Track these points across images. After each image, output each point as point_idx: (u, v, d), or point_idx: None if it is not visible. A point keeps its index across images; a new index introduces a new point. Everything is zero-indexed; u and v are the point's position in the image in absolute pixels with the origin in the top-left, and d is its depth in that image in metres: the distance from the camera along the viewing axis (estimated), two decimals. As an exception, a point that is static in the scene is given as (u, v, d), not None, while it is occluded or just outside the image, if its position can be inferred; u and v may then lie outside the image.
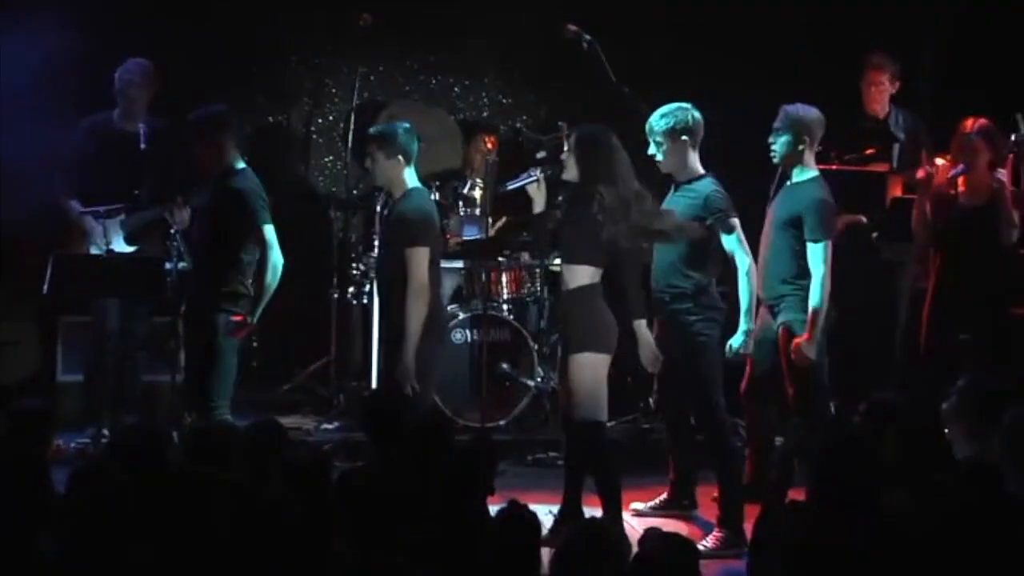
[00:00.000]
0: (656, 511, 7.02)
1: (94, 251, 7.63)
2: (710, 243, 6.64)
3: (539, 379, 8.43)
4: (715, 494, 6.80)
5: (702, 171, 6.75)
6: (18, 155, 8.08)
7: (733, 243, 6.61)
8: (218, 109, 7.10)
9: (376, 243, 8.38)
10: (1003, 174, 7.43)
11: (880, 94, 8.47)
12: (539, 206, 6.74)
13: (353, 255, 8.87)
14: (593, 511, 6.37)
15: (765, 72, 8.88)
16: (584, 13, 8.66)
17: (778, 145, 6.84)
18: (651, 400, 8.51)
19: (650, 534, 4.15)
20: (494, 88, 9.88)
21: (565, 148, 6.79)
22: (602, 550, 4.03)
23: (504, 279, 8.66)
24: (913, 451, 5.02)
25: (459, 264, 8.61)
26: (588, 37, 8.48)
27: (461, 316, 8.45)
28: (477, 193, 8.98)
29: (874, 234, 8.20)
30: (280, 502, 4.37)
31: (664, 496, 7.12)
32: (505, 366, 8.45)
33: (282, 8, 9.25)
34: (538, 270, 8.59)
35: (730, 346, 6.65)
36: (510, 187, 6.99)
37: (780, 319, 6.78)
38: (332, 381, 8.89)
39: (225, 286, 6.91)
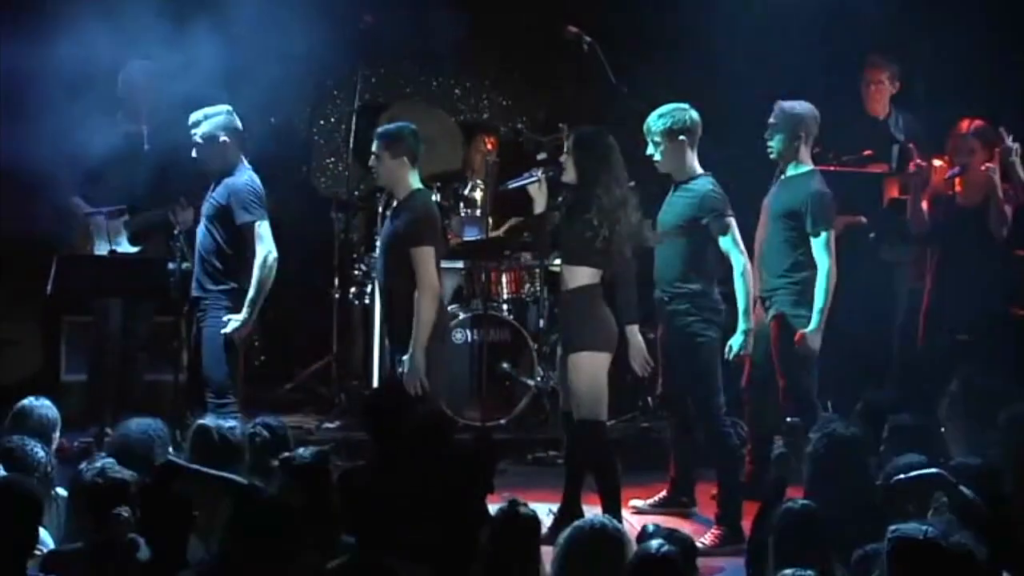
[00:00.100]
0: (655, 508, 7.04)
1: (98, 252, 7.68)
2: (710, 244, 6.69)
3: (539, 378, 8.47)
4: (714, 492, 6.84)
5: (700, 171, 6.79)
6: (22, 156, 8.10)
7: (728, 243, 6.65)
8: (222, 110, 7.15)
9: (378, 243, 8.42)
10: (996, 170, 7.47)
11: (880, 94, 8.48)
12: (540, 207, 6.78)
13: (354, 255, 8.90)
14: (593, 509, 6.38)
15: (765, 73, 8.89)
16: (584, 14, 8.70)
17: (775, 142, 6.92)
18: (650, 399, 8.57)
19: (648, 530, 4.19)
20: (494, 90, 9.92)
21: (564, 150, 6.83)
22: (604, 548, 4.06)
23: (504, 279, 8.70)
24: (907, 450, 5.07)
25: (459, 264, 8.64)
26: (588, 39, 8.51)
27: (462, 316, 8.48)
28: (477, 194, 9.03)
29: (871, 235, 8.24)
30: (281, 500, 4.42)
31: (663, 494, 7.15)
32: (505, 366, 8.49)
33: (284, 9, 9.27)
34: (538, 270, 8.63)
35: (730, 347, 6.69)
36: (511, 186, 7.03)
37: (772, 311, 6.84)
38: (333, 380, 8.92)
39: (227, 285, 6.95)
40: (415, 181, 6.79)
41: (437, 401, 6.61)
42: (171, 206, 7.49)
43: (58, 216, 7.98)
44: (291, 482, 4.80)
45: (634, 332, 6.63)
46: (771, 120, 6.93)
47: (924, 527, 3.98)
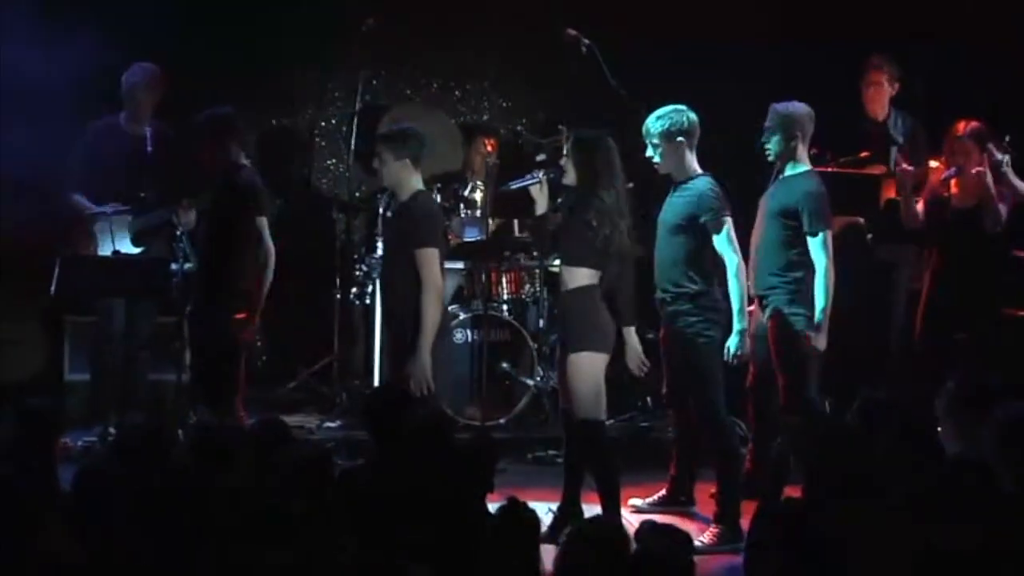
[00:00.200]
0: (654, 507, 7.05)
1: (101, 252, 7.72)
2: (710, 244, 6.71)
3: (539, 378, 8.50)
4: (713, 491, 6.86)
5: (700, 171, 6.81)
6: (26, 157, 8.14)
7: (723, 242, 6.67)
8: (224, 111, 7.20)
9: (379, 244, 8.47)
10: (987, 173, 7.51)
11: (879, 95, 8.50)
12: (541, 208, 6.81)
13: (355, 256, 8.93)
14: (592, 508, 6.42)
15: (764, 72, 8.93)
16: (583, 16, 8.74)
17: (772, 144, 6.95)
18: (649, 399, 8.61)
19: (646, 526, 4.21)
20: (494, 92, 9.95)
21: (564, 152, 6.86)
22: (604, 548, 4.08)
23: (504, 280, 8.74)
24: (905, 448, 5.09)
25: (460, 265, 8.68)
26: (587, 41, 8.55)
27: (462, 316, 8.52)
28: (477, 195, 9.06)
29: (869, 235, 8.27)
30: (282, 499, 4.45)
31: (662, 492, 7.18)
32: (505, 365, 8.53)
33: (287, 13, 9.32)
34: (538, 271, 8.66)
35: (728, 348, 6.71)
36: (513, 187, 7.07)
37: (769, 310, 6.88)
38: (335, 380, 8.96)
39: (229, 284, 6.99)
40: (418, 182, 6.83)
41: (437, 401, 6.66)
42: (174, 207, 7.52)
43: (61, 217, 8.03)
44: (291, 481, 4.83)
45: (630, 333, 6.67)
46: (767, 123, 6.96)
47: None
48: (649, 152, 6.80)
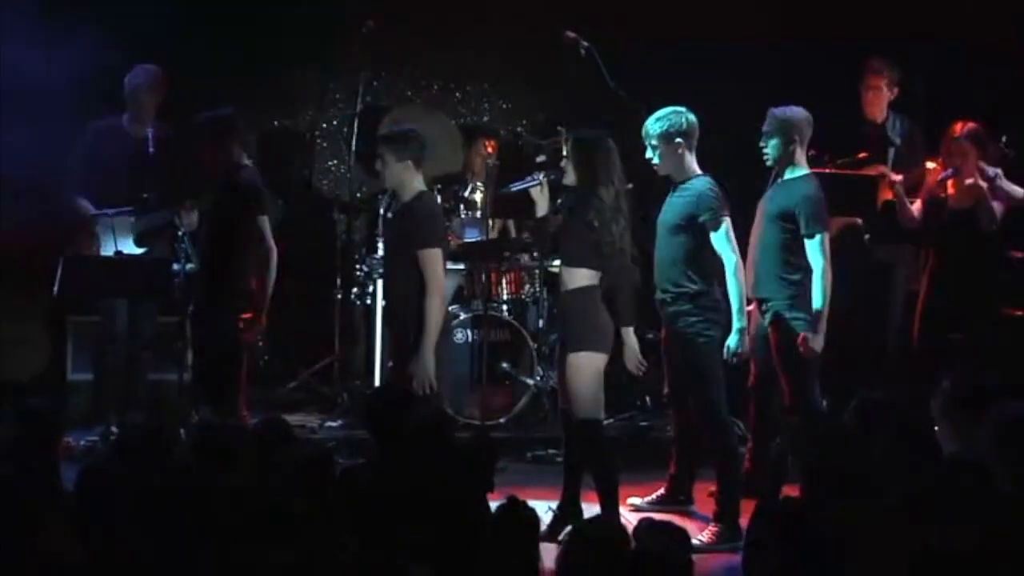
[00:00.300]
0: (653, 506, 7.07)
1: (104, 253, 7.75)
2: (709, 244, 6.73)
3: (538, 378, 8.53)
4: (712, 489, 6.88)
5: (699, 171, 6.83)
6: (26, 157, 8.17)
7: (721, 241, 6.69)
8: (225, 112, 7.23)
9: (380, 245, 8.49)
10: (979, 176, 7.54)
11: (878, 99, 8.51)
12: (542, 209, 6.83)
13: (356, 256, 8.96)
14: (591, 507, 6.45)
15: (764, 72, 8.95)
16: (583, 17, 8.76)
17: (770, 148, 6.97)
18: (648, 398, 8.64)
19: (643, 524, 4.23)
20: (494, 93, 9.98)
21: (564, 153, 6.88)
22: (604, 547, 4.10)
23: (504, 280, 8.76)
24: (903, 448, 5.11)
25: (460, 265, 8.70)
26: (586, 43, 8.57)
27: (462, 316, 8.54)
28: (478, 196, 9.08)
29: (866, 236, 8.29)
30: (284, 499, 4.48)
31: (661, 491, 7.20)
32: (505, 365, 8.55)
33: (287, 13, 9.35)
34: (537, 271, 8.69)
35: (728, 347, 6.74)
36: (514, 188, 7.09)
37: (769, 315, 6.90)
38: (336, 380, 8.99)
39: (231, 284, 7.03)
40: (420, 183, 6.86)
41: (438, 400, 6.69)
42: (176, 208, 7.55)
43: (63, 217, 8.06)
44: (293, 480, 4.85)
45: (629, 334, 6.69)
46: (765, 128, 6.98)
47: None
48: (648, 153, 6.82)
